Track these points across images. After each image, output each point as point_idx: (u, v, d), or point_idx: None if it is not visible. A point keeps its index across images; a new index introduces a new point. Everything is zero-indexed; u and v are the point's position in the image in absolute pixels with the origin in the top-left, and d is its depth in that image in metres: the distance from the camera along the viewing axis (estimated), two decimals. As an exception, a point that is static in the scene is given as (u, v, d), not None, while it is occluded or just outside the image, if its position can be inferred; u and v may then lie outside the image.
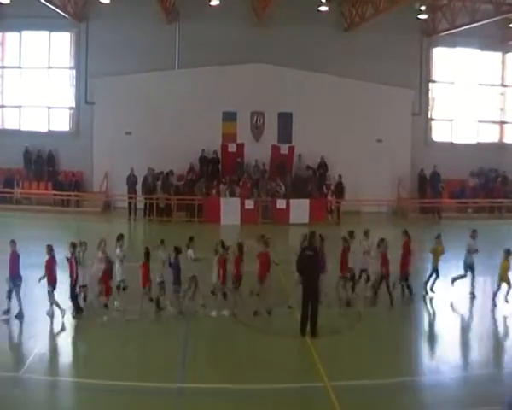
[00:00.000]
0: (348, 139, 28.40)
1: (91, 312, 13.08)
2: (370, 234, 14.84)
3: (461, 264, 15.29)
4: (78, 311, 12.93)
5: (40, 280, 12.69)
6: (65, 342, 12.18)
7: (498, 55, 31.27)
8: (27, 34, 28.59)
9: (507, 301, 14.23)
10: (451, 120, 31.16)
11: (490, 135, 31.57)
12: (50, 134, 28.94)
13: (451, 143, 30.92)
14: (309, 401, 9.81)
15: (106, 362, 10.81)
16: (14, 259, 12.79)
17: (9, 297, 12.67)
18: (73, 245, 12.99)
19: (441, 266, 15.10)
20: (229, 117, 28.36)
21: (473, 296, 15.12)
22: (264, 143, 28.58)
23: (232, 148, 28.30)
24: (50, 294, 12.72)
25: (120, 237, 13.77)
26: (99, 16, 27.58)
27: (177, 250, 13.19)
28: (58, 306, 12.75)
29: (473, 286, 15.17)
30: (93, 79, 28.08)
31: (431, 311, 14.65)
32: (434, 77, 30.82)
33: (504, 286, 14.24)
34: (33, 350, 11.15)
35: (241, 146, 28.25)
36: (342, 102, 28.56)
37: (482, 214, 27.86)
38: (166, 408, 9.37)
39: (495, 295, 14.30)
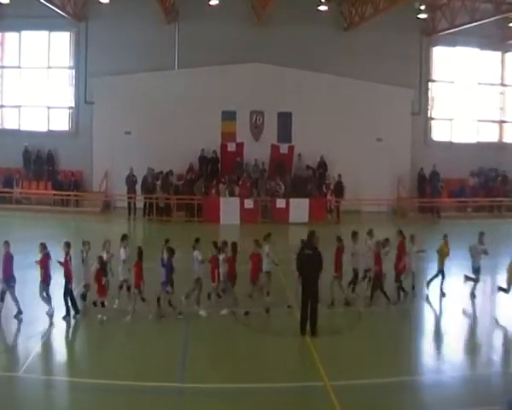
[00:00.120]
0: (348, 139, 28.40)
1: (91, 312, 13.06)
2: (374, 233, 14.82)
3: (461, 263, 15.27)
4: (68, 312, 12.83)
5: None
6: (65, 342, 12.19)
7: (498, 54, 31.28)
8: (27, 34, 28.58)
9: None
10: (451, 120, 31.17)
11: (489, 134, 31.59)
12: (50, 134, 28.93)
13: (451, 142, 30.93)
14: (309, 400, 9.81)
15: (106, 362, 10.83)
16: (8, 260, 12.73)
17: (2, 299, 12.62)
18: (68, 245, 12.97)
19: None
20: (229, 116, 28.35)
21: (473, 296, 15.06)
22: (263, 142, 28.58)
23: (231, 147, 28.29)
24: (42, 291, 12.76)
25: (124, 238, 13.79)
26: (98, 16, 27.58)
27: (171, 251, 13.14)
28: (48, 303, 12.79)
29: (474, 287, 15.07)
30: (93, 78, 28.08)
31: (431, 310, 14.65)
32: (434, 76, 30.82)
33: None
34: (33, 350, 11.15)
35: (240, 145, 28.24)
36: (342, 102, 28.56)
37: (482, 213, 27.89)
38: (166, 408, 9.37)
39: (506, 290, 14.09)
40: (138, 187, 26.54)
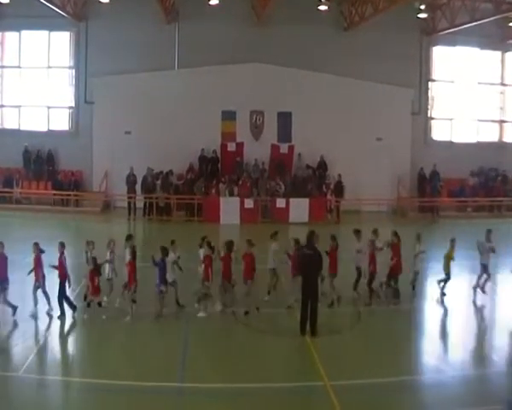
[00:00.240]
0: (348, 138, 28.39)
1: (91, 312, 13.06)
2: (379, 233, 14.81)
3: (461, 263, 15.26)
4: (63, 312, 12.77)
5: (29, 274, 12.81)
6: (64, 342, 12.17)
7: (498, 53, 31.27)
8: (27, 34, 28.58)
9: None
10: (451, 119, 31.16)
11: (489, 134, 31.58)
12: (50, 134, 28.93)
13: (451, 142, 30.92)
14: (309, 400, 9.81)
15: (106, 362, 10.82)
16: (2, 261, 12.66)
17: None
18: (62, 245, 12.92)
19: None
20: (229, 116, 28.36)
21: (475, 292, 14.89)
22: (263, 142, 28.58)
23: (231, 147, 28.30)
24: (35, 290, 12.74)
25: (129, 238, 13.71)
26: (98, 16, 27.58)
27: (164, 251, 13.06)
28: (35, 304, 12.73)
29: (479, 284, 14.95)
30: (93, 78, 28.08)
31: (431, 310, 14.64)
32: (434, 76, 30.82)
33: None
34: (33, 350, 11.15)
35: (240, 145, 28.25)
36: (342, 102, 28.56)
37: (482, 213, 27.89)
38: (166, 408, 9.36)
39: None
40: (138, 187, 26.54)
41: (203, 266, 13.29)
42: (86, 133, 28.34)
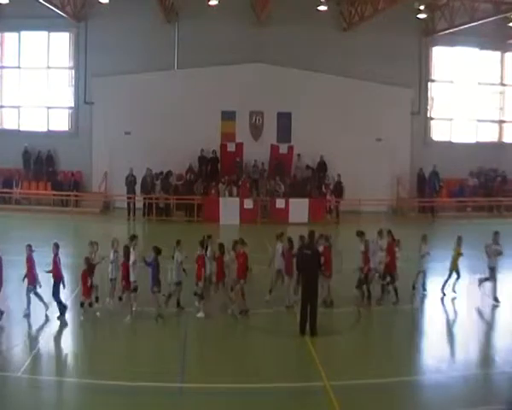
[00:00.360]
0: (347, 139, 28.36)
1: (90, 312, 13.05)
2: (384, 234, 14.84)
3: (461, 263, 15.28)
4: (62, 312, 12.71)
5: (24, 279, 12.72)
6: (64, 342, 12.15)
7: (497, 54, 31.27)
8: (26, 34, 28.59)
9: None
10: (451, 120, 31.16)
11: (489, 134, 31.59)
12: (49, 134, 28.92)
13: (451, 142, 30.91)
14: (308, 400, 9.80)
15: (105, 362, 10.80)
16: None
17: None
18: (57, 246, 12.84)
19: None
20: (228, 116, 28.37)
21: (496, 302, 14.57)
22: (263, 142, 28.58)
23: (231, 147, 28.29)
24: (29, 292, 12.66)
25: (133, 238, 13.53)
26: (98, 16, 27.58)
27: (157, 250, 12.98)
28: (28, 305, 12.66)
29: (494, 290, 14.71)
30: (92, 78, 28.08)
31: (431, 310, 14.64)
32: (433, 76, 30.81)
33: None
34: (33, 350, 11.15)
35: (240, 146, 28.24)
36: (341, 102, 28.54)
37: (481, 213, 27.92)
38: (166, 408, 9.36)
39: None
40: (138, 187, 26.52)
41: (196, 266, 13.19)
42: (86, 134, 28.35)
